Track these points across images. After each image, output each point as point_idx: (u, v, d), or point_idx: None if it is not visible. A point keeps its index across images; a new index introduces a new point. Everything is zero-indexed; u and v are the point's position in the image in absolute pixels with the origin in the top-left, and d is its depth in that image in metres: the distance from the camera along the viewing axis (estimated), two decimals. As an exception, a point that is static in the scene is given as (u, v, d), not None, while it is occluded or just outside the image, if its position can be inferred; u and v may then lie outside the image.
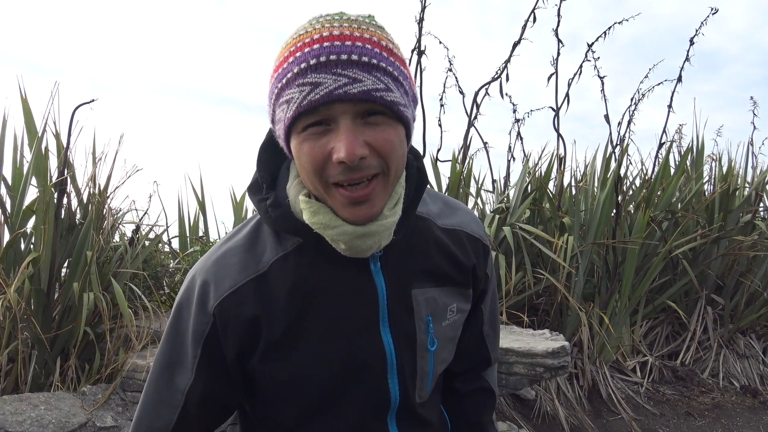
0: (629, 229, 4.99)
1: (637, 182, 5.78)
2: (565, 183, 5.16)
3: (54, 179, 3.18)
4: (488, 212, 5.03)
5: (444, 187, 5.15)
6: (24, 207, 3.27)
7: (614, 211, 4.83)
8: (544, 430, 4.25)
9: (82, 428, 2.60)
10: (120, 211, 3.71)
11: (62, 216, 3.23)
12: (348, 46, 0.87)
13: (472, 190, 5.48)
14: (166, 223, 4.90)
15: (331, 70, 0.86)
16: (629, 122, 5.30)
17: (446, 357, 1.18)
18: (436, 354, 1.13)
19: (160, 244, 4.61)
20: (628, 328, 4.97)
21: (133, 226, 3.96)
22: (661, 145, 5.50)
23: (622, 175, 4.96)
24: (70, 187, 3.31)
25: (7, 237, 3.23)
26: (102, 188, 3.42)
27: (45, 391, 2.87)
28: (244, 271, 1.03)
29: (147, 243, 4.04)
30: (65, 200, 3.26)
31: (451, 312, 1.14)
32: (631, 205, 5.35)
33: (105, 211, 3.46)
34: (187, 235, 5.09)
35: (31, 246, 3.26)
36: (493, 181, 5.69)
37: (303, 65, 0.87)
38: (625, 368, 4.88)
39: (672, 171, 5.60)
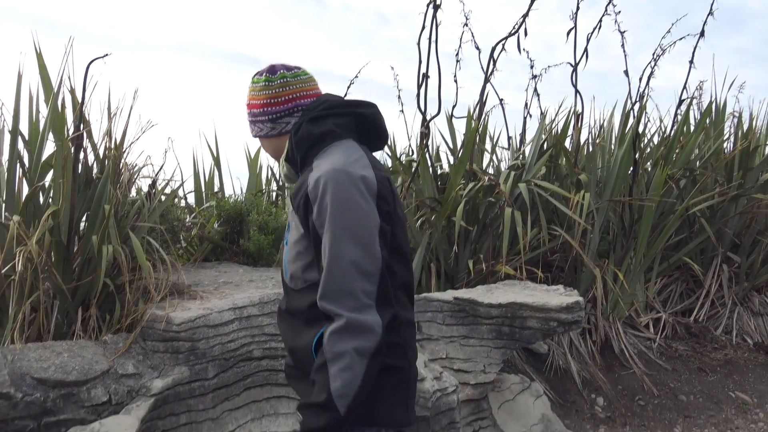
0: (646, 187, 4.94)
1: (656, 139, 5.71)
2: (582, 140, 5.11)
3: (70, 134, 3.19)
4: (503, 169, 5.00)
5: (459, 144, 5.12)
6: (42, 161, 3.31)
7: (631, 168, 4.78)
8: (555, 383, 4.30)
9: (105, 375, 2.67)
10: (136, 166, 3.73)
11: (79, 171, 3.26)
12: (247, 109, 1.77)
13: (488, 146, 5.44)
14: (182, 179, 4.92)
15: None
16: (649, 78, 5.19)
17: (294, 261, 1.58)
18: (289, 249, 1.63)
19: (176, 199, 4.65)
20: (642, 285, 4.97)
21: (149, 181, 3.98)
22: (681, 101, 5.40)
23: (640, 131, 4.89)
24: (86, 142, 3.33)
25: (26, 191, 3.27)
26: (118, 143, 3.43)
27: (68, 340, 2.94)
28: None
29: (163, 198, 4.07)
30: (82, 155, 3.28)
31: (294, 225, 1.59)
32: (649, 163, 5.29)
33: (121, 165, 3.48)
34: (203, 190, 5.12)
35: (50, 200, 3.30)
36: (509, 138, 5.64)
37: None
38: (638, 324, 4.90)
39: (691, 128, 5.52)
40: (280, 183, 5.56)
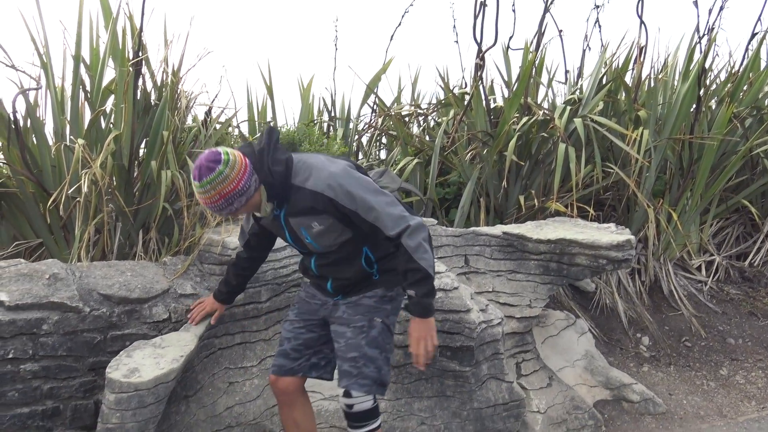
0: (708, 126, 4.76)
1: (723, 75, 5.44)
2: (644, 74, 4.90)
3: (130, 60, 3.25)
4: (559, 104, 4.88)
5: (514, 77, 5.00)
6: (103, 87, 3.39)
7: (694, 105, 4.59)
8: (601, 322, 4.32)
9: (165, 294, 2.81)
10: (192, 93, 3.78)
11: (138, 97, 3.33)
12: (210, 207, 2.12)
13: (544, 80, 5.30)
14: (235, 108, 4.97)
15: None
16: (720, 9, 4.90)
17: (326, 241, 2.27)
18: (314, 241, 2.27)
19: (230, 128, 4.72)
20: (697, 227, 4.86)
21: (205, 109, 4.04)
22: (753, 35, 5.10)
23: (706, 67, 4.67)
24: (144, 69, 3.38)
25: (88, 115, 3.37)
26: (175, 70, 3.48)
27: (130, 260, 3.09)
28: None
29: (218, 126, 4.14)
30: (140, 81, 3.34)
31: (315, 225, 2.21)
32: (714, 100, 5.07)
33: (178, 92, 3.54)
34: (256, 119, 5.17)
35: (111, 125, 3.40)
36: (566, 71, 5.46)
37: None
38: (690, 266, 4.82)
39: (762, 64, 5.23)
40: (332, 113, 5.58)
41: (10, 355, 2.42)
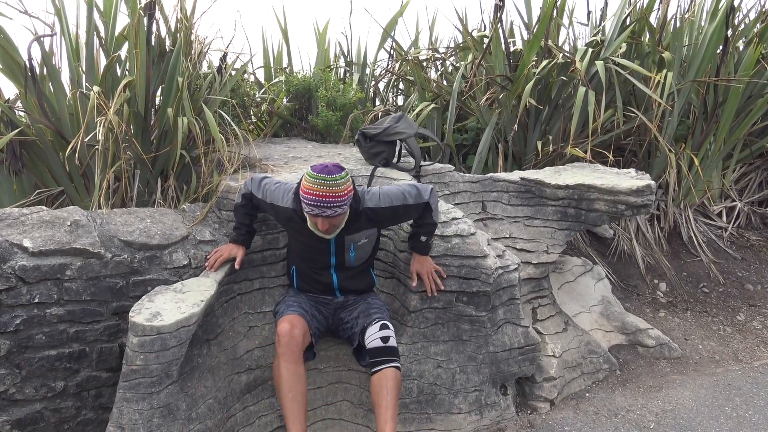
0: (735, 67, 4.61)
1: (752, 15, 5.23)
2: (670, 14, 4.74)
3: (143, 4, 3.21)
4: (580, 46, 4.75)
5: (535, 18, 4.86)
6: (117, 34, 3.36)
7: (721, 46, 4.45)
8: (619, 268, 4.31)
9: (184, 241, 2.85)
10: (206, 38, 3.74)
11: (153, 43, 3.30)
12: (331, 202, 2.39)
13: (565, 21, 5.14)
14: (250, 53, 4.90)
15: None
16: (752, -56, 4.68)
17: (363, 251, 2.74)
18: (355, 251, 2.69)
19: (245, 74, 4.68)
20: (719, 173, 4.78)
21: (220, 55, 4.00)
22: (786, -29, 4.88)
23: (735, 5, 4.49)
24: (158, 14, 3.34)
25: (103, 62, 3.35)
26: (188, 14, 3.43)
27: (149, 207, 3.12)
28: None
29: (233, 73, 4.10)
30: (154, 27, 3.30)
31: (363, 239, 2.68)
32: (742, 41, 4.90)
33: (193, 38, 3.50)
34: (272, 65, 5.11)
35: (126, 72, 3.38)
36: (589, 12, 5.30)
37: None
38: (711, 212, 4.77)
39: (795, 2, 5.02)
40: (348, 59, 5.49)
41: (36, 300, 2.49)
